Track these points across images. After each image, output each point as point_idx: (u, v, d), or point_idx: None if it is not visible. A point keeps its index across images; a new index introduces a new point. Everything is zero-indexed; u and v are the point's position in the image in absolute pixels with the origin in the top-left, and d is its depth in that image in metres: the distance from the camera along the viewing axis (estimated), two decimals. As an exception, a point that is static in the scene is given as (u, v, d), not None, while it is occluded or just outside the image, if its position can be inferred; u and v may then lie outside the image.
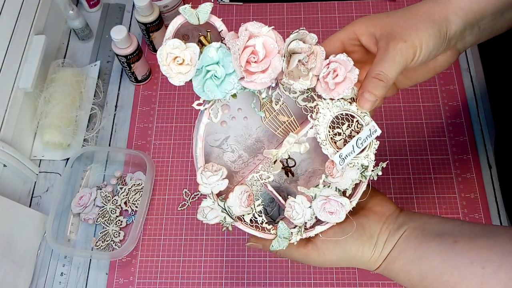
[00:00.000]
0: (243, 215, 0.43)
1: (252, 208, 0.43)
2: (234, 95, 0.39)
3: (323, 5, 0.86)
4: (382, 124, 0.75)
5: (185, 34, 0.39)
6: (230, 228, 0.42)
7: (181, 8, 0.37)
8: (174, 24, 0.38)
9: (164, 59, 0.37)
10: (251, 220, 0.43)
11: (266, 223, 0.43)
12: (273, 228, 0.44)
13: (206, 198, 0.42)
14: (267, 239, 0.44)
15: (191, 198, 0.71)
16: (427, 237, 0.41)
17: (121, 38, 0.70)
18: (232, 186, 0.43)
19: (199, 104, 0.40)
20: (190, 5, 0.37)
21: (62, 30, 0.86)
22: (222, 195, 0.42)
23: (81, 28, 0.82)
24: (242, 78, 0.37)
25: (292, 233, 0.43)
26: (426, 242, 0.40)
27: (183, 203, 0.71)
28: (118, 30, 0.70)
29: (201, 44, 0.38)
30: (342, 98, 0.41)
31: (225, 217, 0.42)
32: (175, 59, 0.37)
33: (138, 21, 0.76)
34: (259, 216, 0.43)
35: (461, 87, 0.77)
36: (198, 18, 0.37)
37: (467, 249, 0.38)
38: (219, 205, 0.41)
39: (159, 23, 0.77)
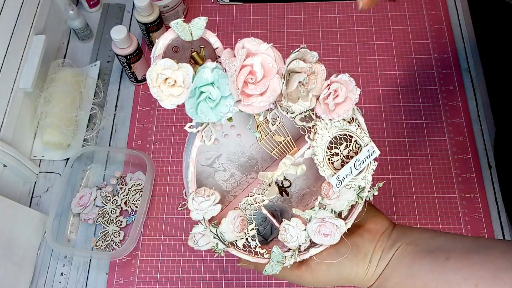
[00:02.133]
0: (236, 240, 0.41)
1: (245, 232, 0.41)
2: (230, 119, 0.36)
3: (323, 5, 0.86)
4: (382, 124, 0.75)
5: (175, 46, 0.36)
6: (222, 254, 0.41)
7: (172, 23, 0.34)
8: (164, 40, 0.35)
9: (154, 80, 0.34)
10: (243, 244, 0.42)
11: (259, 247, 0.42)
12: (266, 252, 0.43)
13: (197, 224, 0.40)
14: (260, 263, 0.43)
15: (191, 198, 0.71)
16: (419, 253, 0.41)
17: (121, 38, 0.70)
18: (224, 206, 0.42)
19: (191, 127, 0.37)
20: (182, 19, 0.35)
21: (62, 30, 0.86)
22: (214, 221, 0.41)
23: (81, 28, 0.82)
24: (239, 101, 0.35)
25: (286, 256, 0.42)
26: (418, 259, 0.40)
27: (183, 203, 0.71)
28: (118, 30, 0.70)
29: (194, 61, 0.36)
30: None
31: (217, 243, 0.40)
32: (166, 80, 0.34)
33: (138, 21, 0.76)
34: (253, 240, 0.42)
35: (461, 87, 0.77)
36: (191, 34, 0.35)
37: (460, 266, 0.38)
38: (211, 231, 0.40)
39: (159, 23, 0.77)
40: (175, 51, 0.36)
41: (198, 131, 0.38)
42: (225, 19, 0.85)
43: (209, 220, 0.40)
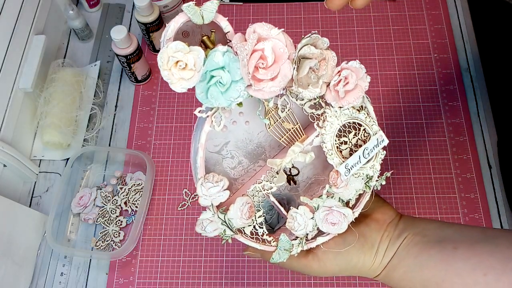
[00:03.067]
0: (244, 227, 0.41)
1: (253, 220, 0.41)
2: (239, 104, 0.36)
3: (323, 5, 0.86)
4: (382, 124, 0.75)
5: (185, 31, 0.36)
6: (230, 241, 0.41)
7: (184, 6, 0.34)
8: (176, 23, 0.34)
9: (165, 63, 0.33)
10: (251, 231, 0.42)
11: (266, 234, 0.42)
12: (273, 240, 0.42)
13: (205, 210, 0.40)
14: (267, 251, 0.43)
15: (191, 198, 0.71)
16: (427, 244, 0.40)
17: (121, 38, 0.70)
18: (231, 193, 0.41)
19: (201, 112, 0.37)
20: (194, 2, 0.34)
21: (62, 30, 0.86)
22: (222, 207, 0.40)
23: (81, 28, 0.82)
24: (250, 85, 0.35)
25: (293, 245, 0.42)
26: (426, 249, 0.40)
27: (183, 203, 0.71)
28: (118, 30, 0.70)
29: (204, 45, 0.35)
30: (351, 106, 0.40)
31: (225, 229, 0.40)
32: (177, 63, 0.33)
33: (138, 21, 0.76)
34: (260, 228, 0.42)
35: (461, 87, 0.77)
36: (203, 17, 0.34)
37: (468, 256, 0.38)
38: (219, 217, 0.39)
39: (159, 23, 0.77)
40: (185, 36, 0.36)
41: (208, 116, 0.37)
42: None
43: (217, 207, 0.40)
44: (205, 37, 0.36)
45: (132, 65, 0.75)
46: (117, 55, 0.73)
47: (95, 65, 0.81)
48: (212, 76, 0.34)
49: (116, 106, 0.80)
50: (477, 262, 0.37)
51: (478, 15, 0.83)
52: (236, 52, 0.34)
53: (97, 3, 0.88)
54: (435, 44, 0.81)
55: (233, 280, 0.66)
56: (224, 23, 0.35)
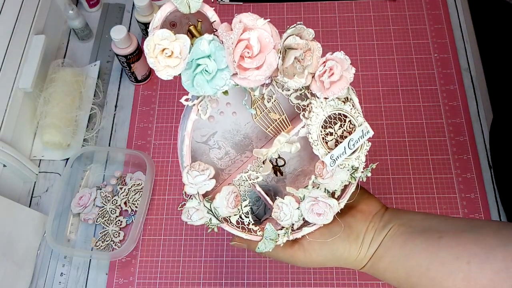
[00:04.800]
0: (230, 216, 0.42)
1: (239, 209, 0.42)
2: (225, 92, 0.37)
3: (323, 5, 0.86)
4: (382, 124, 0.75)
5: (172, 21, 0.37)
6: (215, 230, 0.41)
7: None
8: (162, 12, 0.35)
9: (151, 50, 0.34)
10: (237, 221, 0.42)
11: (252, 224, 0.42)
12: (259, 229, 0.43)
13: (191, 198, 0.40)
14: (253, 240, 0.43)
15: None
16: (412, 234, 0.41)
17: (121, 38, 0.70)
18: (218, 184, 0.42)
19: (187, 100, 0.37)
20: None
21: (62, 30, 0.86)
22: (208, 196, 0.41)
23: (81, 28, 0.82)
24: (235, 74, 0.35)
25: (279, 234, 0.42)
26: (411, 239, 0.40)
27: (183, 203, 0.71)
28: (118, 30, 0.70)
29: (191, 35, 0.36)
30: (336, 97, 0.40)
31: (210, 218, 0.40)
32: (163, 51, 0.34)
33: (138, 21, 0.76)
34: (246, 217, 0.42)
35: (461, 87, 0.77)
36: (189, 7, 0.35)
37: (452, 245, 0.38)
38: (205, 206, 0.40)
39: None
40: (172, 26, 0.36)
41: (194, 105, 0.38)
42: (225, 19, 0.84)
43: (203, 195, 0.40)
44: (192, 26, 0.36)
45: (132, 65, 0.75)
46: (117, 55, 0.73)
47: (95, 65, 0.81)
48: (198, 65, 0.35)
49: (116, 106, 0.80)
50: (461, 250, 0.37)
51: (478, 15, 0.83)
52: (222, 41, 0.35)
53: (97, 3, 0.88)
54: (435, 44, 0.81)
55: (233, 280, 0.66)
56: (211, 13, 0.36)
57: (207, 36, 0.34)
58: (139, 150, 0.74)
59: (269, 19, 0.36)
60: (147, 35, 0.78)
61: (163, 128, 0.77)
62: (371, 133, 0.41)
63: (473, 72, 0.78)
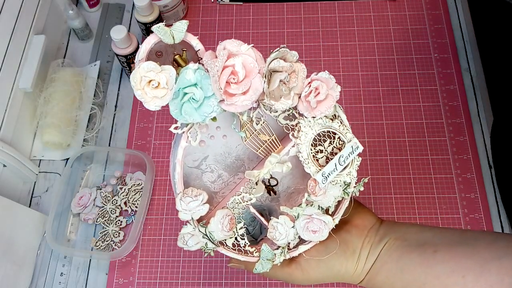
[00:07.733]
0: (225, 239, 0.42)
1: (234, 231, 0.42)
2: (214, 118, 0.37)
3: (323, 5, 0.86)
4: (382, 124, 0.75)
5: (158, 51, 0.37)
6: (212, 254, 0.41)
7: (154, 27, 0.35)
8: (147, 44, 0.36)
9: (138, 82, 0.35)
10: (233, 243, 0.42)
11: (248, 245, 0.42)
12: (256, 250, 0.43)
13: (186, 224, 0.40)
14: (250, 262, 0.43)
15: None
16: (408, 248, 0.41)
17: (121, 38, 0.70)
18: (212, 207, 0.42)
19: (176, 128, 0.38)
20: (164, 23, 0.36)
21: (62, 30, 0.86)
22: (203, 220, 0.41)
23: (81, 28, 0.82)
24: (222, 100, 0.36)
25: (275, 254, 0.42)
26: (407, 253, 0.41)
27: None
28: (118, 30, 0.70)
29: (177, 64, 0.36)
30: (324, 116, 0.41)
31: (206, 243, 0.41)
32: (150, 82, 0.35)
33: (138, 21, 0.76)
34: (242, 239, 0.42)
35: (461, 87, 0.77)
36: (173, 37, 0.35)
37: (447, 259, 0.38)
38: (200, 231, 0.40)
39: (159, 23, 0.77)
40: (158, 56, 0.37)
41: (184, 132, 0.38)
42: (225, 19, 0.85)
43: (198, 220, 0.41)
44: (177, 56, 0.37)
45: (132, 65, 0.75)
46: (117, 55, 0.73)
47: (95, 65, 0.81)
48: (185, 93, 0.35)
49: (116, 106, 0.80)
50: (455, 264, 0.38)
51: (478, 15, 0.83)
52: (207, 70, 0.35)
53: (97, 3, 0.88)
54: (435, 44, 0.81)
55: (233, 280, 0.66)
56: (195, 42, 0.37)
57: (192, 66, 0.35)
58: (139, 150, 0.74)
59: (252, 44, 0.36)
60: (147, 35, 0.78)
61: (163, 128, 0.77)
62: (361, 148, 0.42)
63: (473, 72, 0.78)
